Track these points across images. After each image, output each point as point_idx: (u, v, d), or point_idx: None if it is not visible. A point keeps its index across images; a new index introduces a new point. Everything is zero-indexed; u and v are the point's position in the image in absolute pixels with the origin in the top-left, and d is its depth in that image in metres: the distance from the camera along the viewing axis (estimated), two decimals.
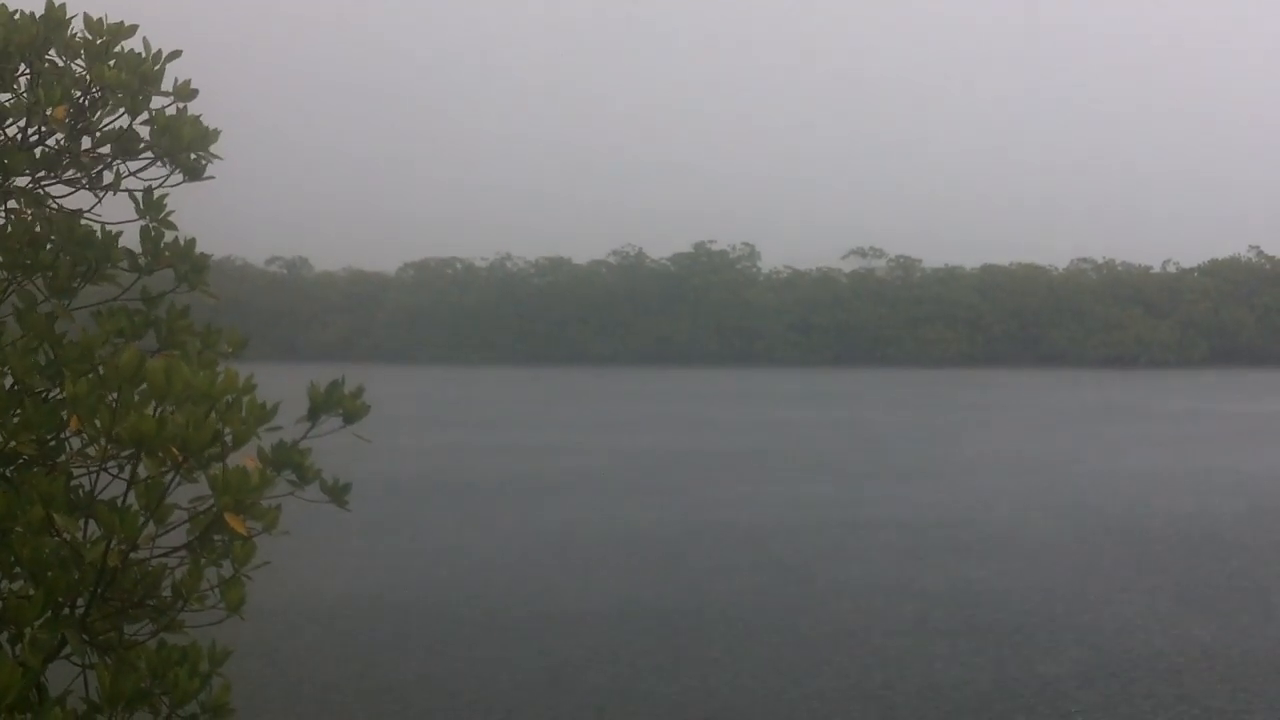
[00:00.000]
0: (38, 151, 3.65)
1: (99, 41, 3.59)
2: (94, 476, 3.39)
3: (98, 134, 3.68)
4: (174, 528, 3.33)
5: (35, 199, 3.64)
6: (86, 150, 3.68)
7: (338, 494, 3.55)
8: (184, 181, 3.75)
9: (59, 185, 3.73)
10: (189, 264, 3.74)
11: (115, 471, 3.35)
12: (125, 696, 3.16)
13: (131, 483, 3.23)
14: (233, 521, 3.16)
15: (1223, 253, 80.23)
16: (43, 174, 3.67)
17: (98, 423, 3.14)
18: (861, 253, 79.60)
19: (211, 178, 3.77)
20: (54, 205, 3.70)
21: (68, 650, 3.20)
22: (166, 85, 3.68)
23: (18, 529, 3.18)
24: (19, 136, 3.62)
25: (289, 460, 3.36)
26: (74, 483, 3.44)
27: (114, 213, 3.75)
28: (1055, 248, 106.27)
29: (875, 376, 54.66)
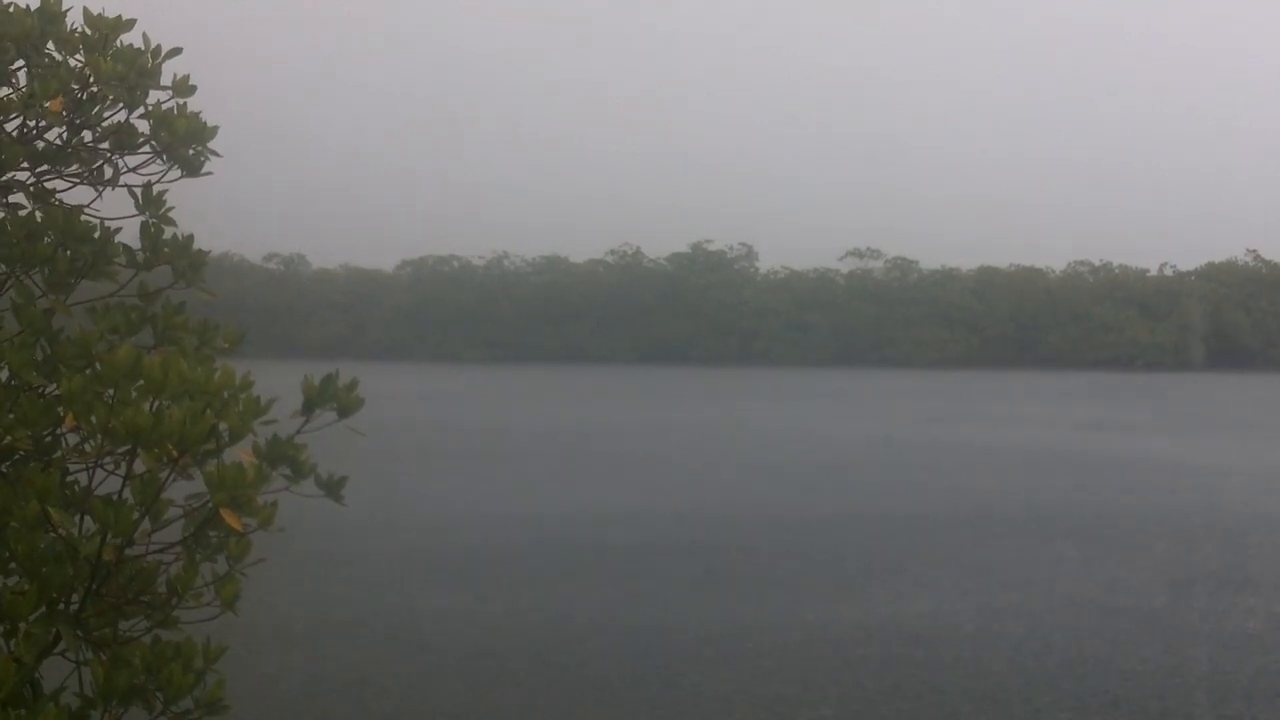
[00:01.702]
0: (38, 145, 3.65)
1: (97, 35, 3.58)
2: (90, 472, 3.39)
3: (98, 129, 3.68)
4: (169, 523, 3.33)
5: (39, 193, 3.64)
6: (86, 144, 3.68)
7: (333, 489, 3.54)
8: (182, 177, 3.75)
9: (59, 180, 3.73)
10: (187, 260, 3.73)
11: (111, 468, 3.35)
12: (119, 692, 3.15)
13: (127, 478, 3.23)
14: (228, 517, 3.16)
15: (1220, 256, 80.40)
16: (44, 169, 3.66)
17: (93, 419, 3.14)
18: (859, 254, 79.66)
19: (210, 174, 3.77)
20: (56, 200, 3.69)
21: (62, 646, 3.20)
22: (165, 82, 3.68)
23: (13, 524, 3.17)
24: (17, 131, 3.62)
25: (284, 455, 3.36)
26: (69, 478, 3.44)
27: (113, 208, 3.75)
28: (1053, 247, 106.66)
29: (939, 378, 55.19)
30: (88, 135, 3.68)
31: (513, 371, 57.50)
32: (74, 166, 3.68)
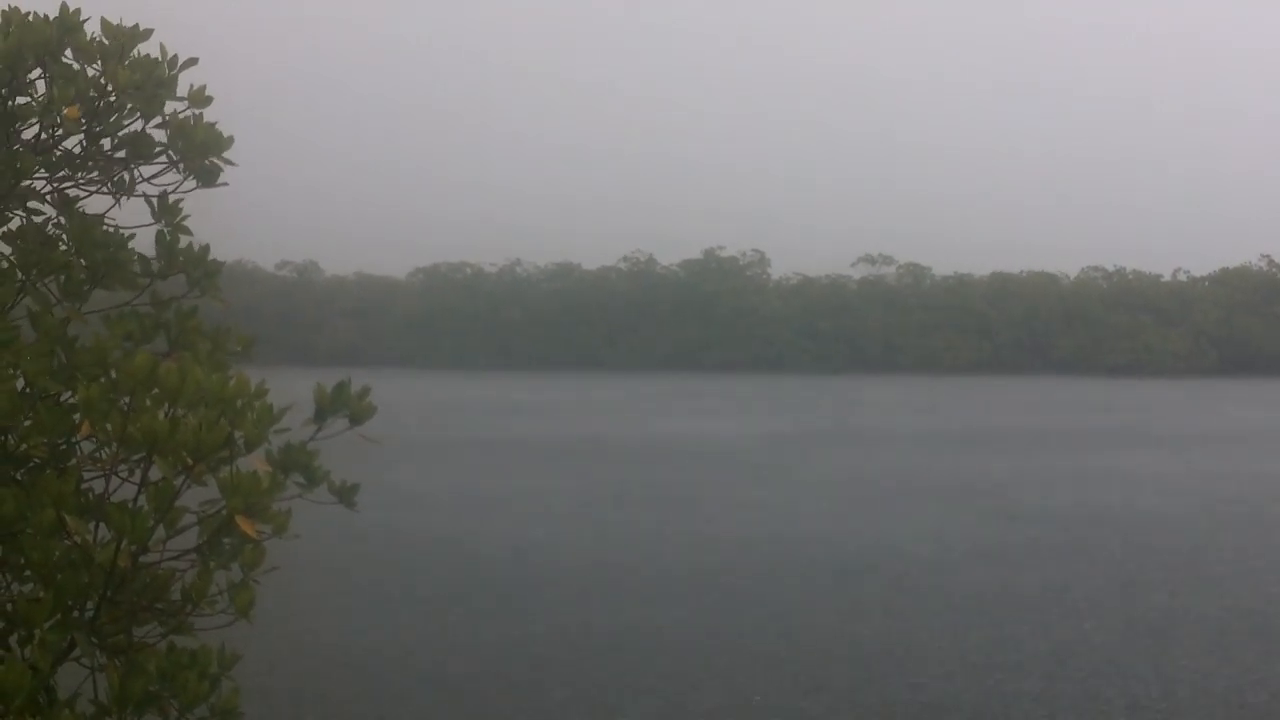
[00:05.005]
0: (55, 154, 3.67)
1: (114, 45, 3.60)
2: (106, 479, 3.39)
3: (115, 139, 3.69)
4: (184, 530, 3.34)
5: (62, 201, 3.66)
6: (103, 153, 3.69)
7: (346, 495, 3.55)
8: (198, 187, 3.76)
9: (76, 189, 3.74)
10: (202, 269, 3.75)
11: (125, 475, 3.36)
12: (134, 699, 3.16)
13: (142, 485, 3.23)
14: (243, 524, 3.16)
15: (1233, 261, 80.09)
16: (63, 174, 3.68)
17: (109, 426, 3.15)
18: (871, 260, 79.53)
19: (225, 184, 3.78)
20: (78, 209, 3.71)
21: (77, 653, 3.21)
22: (181, 92, 3.70)
23: (28, 531, 3.18)
24: (34, 140, 3.64)
25: (297, 462, 3.36)
26: (84, 486, 3.45)
27: (128, 217, 3.76)
28: (1066, 249, 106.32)
29: (969, 384, 54.24)
30: (105, 144, 3.70)
31: (573, 380, 56.57)
32: (91, 175, 3.70)
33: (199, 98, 3.71)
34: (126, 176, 3.74)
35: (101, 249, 3.65)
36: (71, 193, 3.73)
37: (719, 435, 26.37)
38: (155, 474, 3.20)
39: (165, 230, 3.74)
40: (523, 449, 22.96)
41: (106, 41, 3.60)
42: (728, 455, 22.14)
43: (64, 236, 3.65)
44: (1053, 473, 19.26)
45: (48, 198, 3.68)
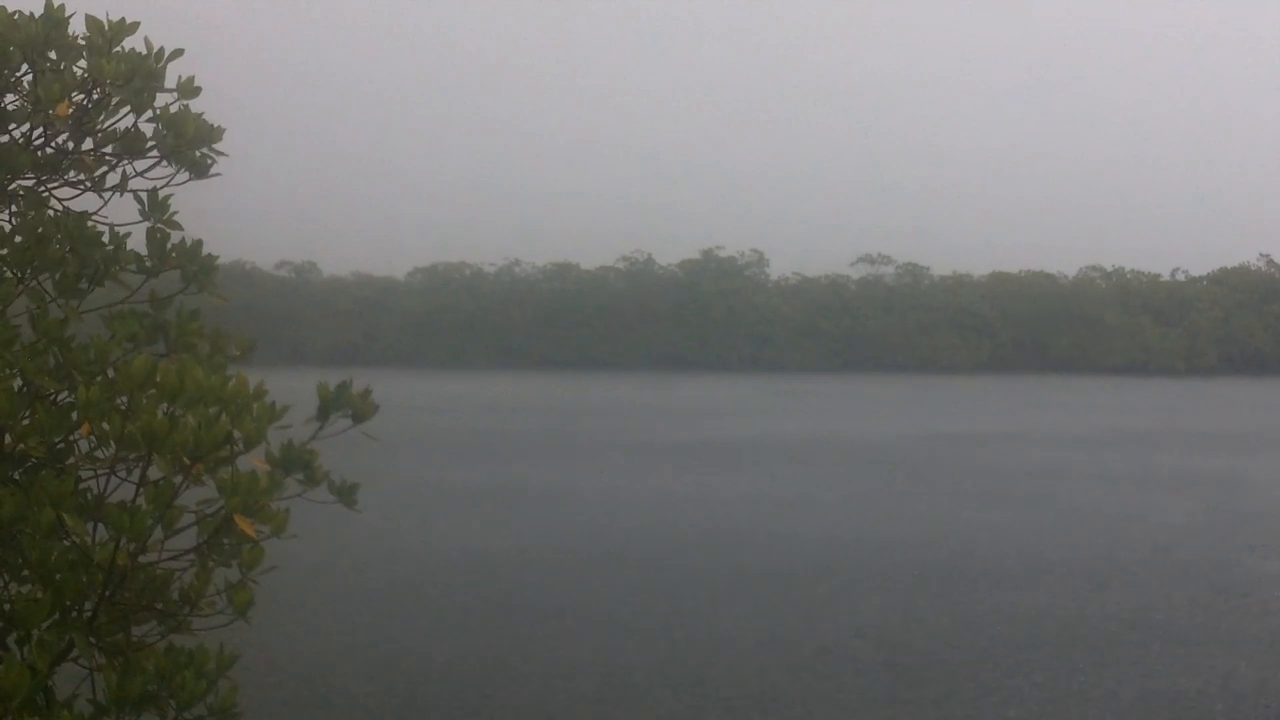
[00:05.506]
0: (41, 153, 3.65)
1: (100, 40, 3.57)
2: (104, 480, 3.38)
3: (99, 134, 3.67)
4: (183, 529, 3.33)
5: (37, 200, 3.64)
6: (89, 150, 3.67)
7: (346, 494, 3.54)
8: (190, 179, 3.74)
9: (65, 188, 3.72)
10: (196, 265, 3.73)
11: (124, 475, 3.35)
12: (132, 699, 3.15)
13: (141, 484, 3.22)
14: (242, 524, 3.15)
15: (1232, 261, 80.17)
16: (46, 176, 3.66)
17: (106, 426, 3.14)
18: (870, 260, 79.61)
19: (218, 174, 3.76)
20: (56, 208, 3.69)
21: (75, 653, 3.20)
22: (169, 84, 3.67)
23: (26, 531, 3.17)
24: (23, 138, 3.62)
25: (297, 461, 3.35)
26: (82, 486, 3.43)
27: (120, 215, 3.75)
28: (1065, 248, 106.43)
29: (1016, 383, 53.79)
30: (90, 142, 3.68)
31: (614, 380, 56.15)
32: (74, 173, 3.68)
33: (188, 89, 3.69)
34: (115, 175, 3.72)
35: (95, 247, 3.63)
36: (60, 191, 3.71)
37: (912, 435, 25.83)
38: (154, 473, 3.19)
39: (156, 226, 3.72)
40: (766, 451, 22.09)
41: (93, 37, 3.57)
42: (950, 454, 21.66)
43: (58, 235, 3.63)
44: None
45: (25, 194, 3.66)
